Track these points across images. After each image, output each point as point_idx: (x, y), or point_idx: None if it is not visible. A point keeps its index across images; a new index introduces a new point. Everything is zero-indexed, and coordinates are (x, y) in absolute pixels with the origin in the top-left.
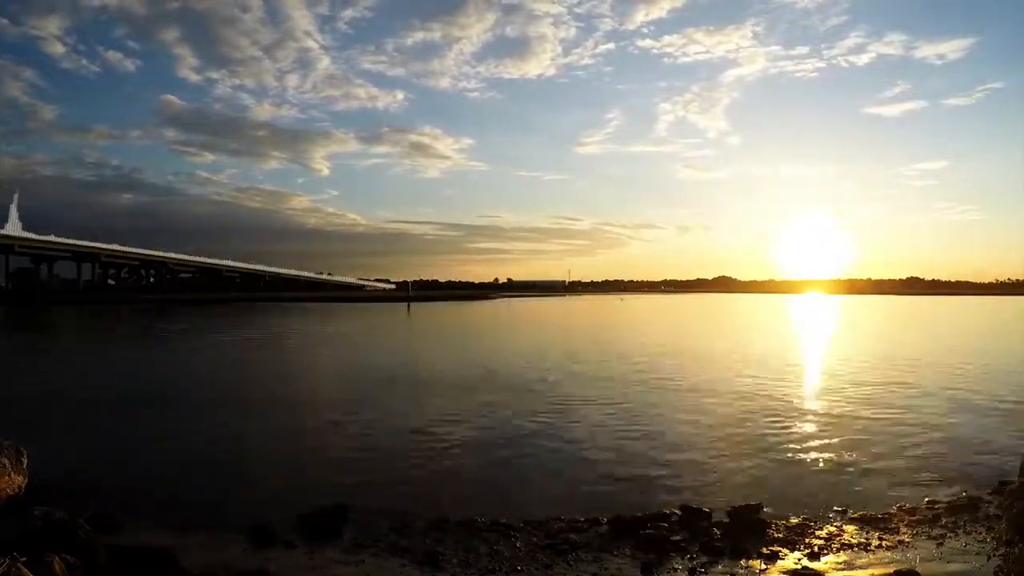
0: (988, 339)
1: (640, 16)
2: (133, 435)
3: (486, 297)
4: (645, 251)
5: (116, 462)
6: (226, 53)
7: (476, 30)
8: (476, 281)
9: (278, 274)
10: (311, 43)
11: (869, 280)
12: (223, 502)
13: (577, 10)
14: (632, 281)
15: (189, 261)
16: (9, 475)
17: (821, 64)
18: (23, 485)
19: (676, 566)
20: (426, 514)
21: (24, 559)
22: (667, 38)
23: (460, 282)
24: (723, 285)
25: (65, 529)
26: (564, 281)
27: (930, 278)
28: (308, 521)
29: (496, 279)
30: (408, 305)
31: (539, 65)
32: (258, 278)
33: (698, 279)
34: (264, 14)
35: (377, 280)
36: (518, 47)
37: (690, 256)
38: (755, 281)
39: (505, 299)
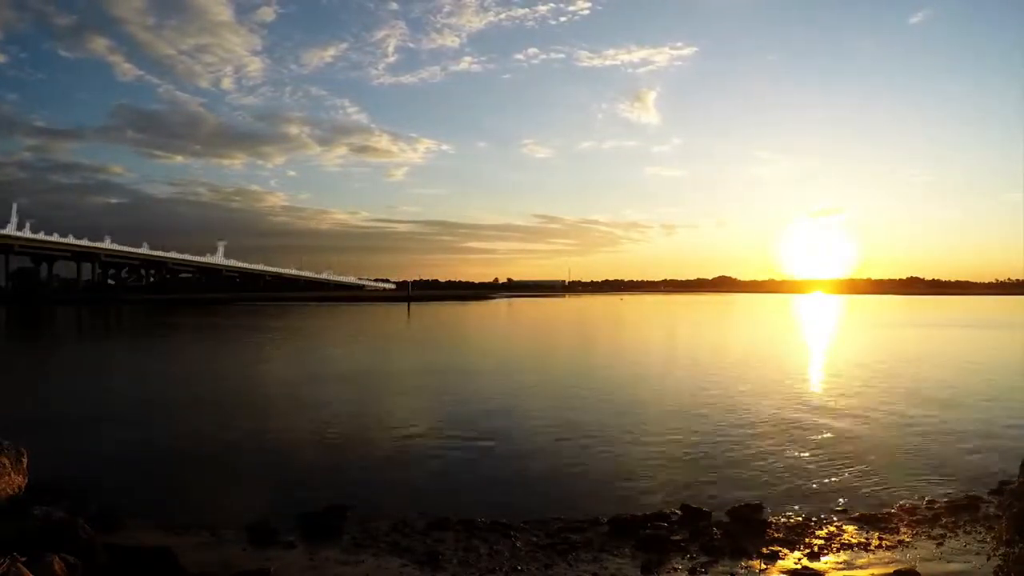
0: (988, 338)
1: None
2: (133, 435)
3: (485, 297)
4: (636, 250)
5: (116, 462)
6: (158, 58)
7: (391, 37)
8: (476, 281)
9: (279, 274)
10: (241, 50)
11: (869, 280)
12: (223, 501)
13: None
14: (631, 281)
15: (189, 261)
16: (9, 475)
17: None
18: (23, 485)
19: (676, 566)
20: (426, 514)
21: (24, 559)
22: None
23: (459, 282)
24: (724, 285)
25: (65, 529)
26: (564, 281)
27: (930, 278)
28: (308, 521)
29: (496, 279)
30: (408, 305)
31: (431, 73)
32: (258, 278)
33: (698, 279)
34: (186, 19)
35: (377, 280)
36: (422, 55)
37: (682, 255)
38: (756, 281)
39: (505, 299)
